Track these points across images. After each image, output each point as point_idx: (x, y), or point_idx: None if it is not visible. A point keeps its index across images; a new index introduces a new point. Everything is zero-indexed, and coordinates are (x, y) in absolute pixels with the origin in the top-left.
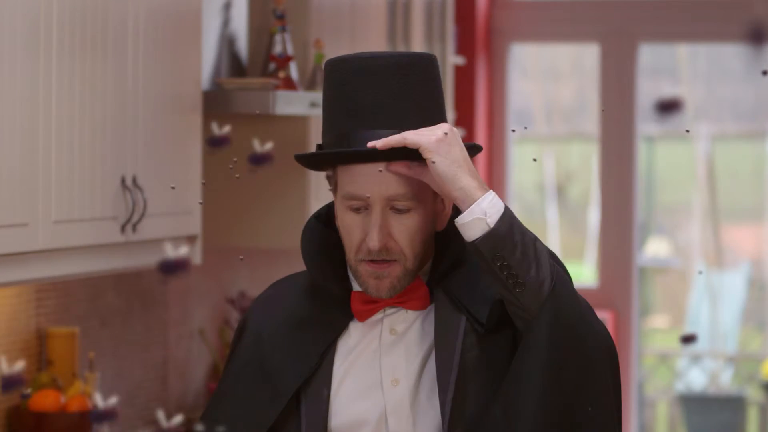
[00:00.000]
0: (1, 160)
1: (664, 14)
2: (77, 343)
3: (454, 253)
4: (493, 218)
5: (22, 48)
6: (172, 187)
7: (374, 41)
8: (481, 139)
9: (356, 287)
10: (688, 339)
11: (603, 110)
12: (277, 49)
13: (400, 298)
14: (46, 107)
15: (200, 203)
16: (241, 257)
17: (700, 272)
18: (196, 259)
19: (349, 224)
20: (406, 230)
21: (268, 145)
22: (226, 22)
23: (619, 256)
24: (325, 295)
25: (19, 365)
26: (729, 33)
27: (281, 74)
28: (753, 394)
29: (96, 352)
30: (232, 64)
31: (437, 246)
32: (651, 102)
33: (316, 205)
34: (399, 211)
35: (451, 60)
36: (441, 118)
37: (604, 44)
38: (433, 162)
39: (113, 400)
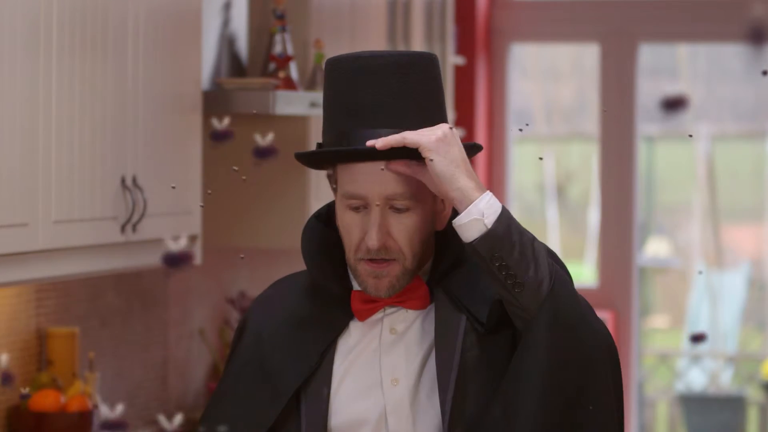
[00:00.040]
0: (1, 160)
1: (664, 14)
2: (77, 343)
3: (454, 253)
4: (490, 219)
5: (22, 48)
6: (173, 187)
7: (374, 41)
8: (481, 139)
9: (356, 286)
10: (698, 338)
11: (604, 111)
12: (277, 49)
13: (399, 298)
14: (46, 107)
15: (201, 206)
16: (242, 256)
17: (700, 272)
18: (197, 259)
19: (348, 223)
20: (405, 230)
21: (270, 137)
22: (226, 22)
23: (619, 256)
24: (325, 294)
25: (3, 357)
26: (729, 33)
27: (281, 74)
28: (753, 394)
29: (96, 352)
30: (232, 64)
31: (437, 245)
32: (655, 100)
33: (316, 204)
34: (398, 211)
35: (451, 60)
36: (441, 118)
37: (604, 44)
38: (431, 160)
39: (120, 409)
